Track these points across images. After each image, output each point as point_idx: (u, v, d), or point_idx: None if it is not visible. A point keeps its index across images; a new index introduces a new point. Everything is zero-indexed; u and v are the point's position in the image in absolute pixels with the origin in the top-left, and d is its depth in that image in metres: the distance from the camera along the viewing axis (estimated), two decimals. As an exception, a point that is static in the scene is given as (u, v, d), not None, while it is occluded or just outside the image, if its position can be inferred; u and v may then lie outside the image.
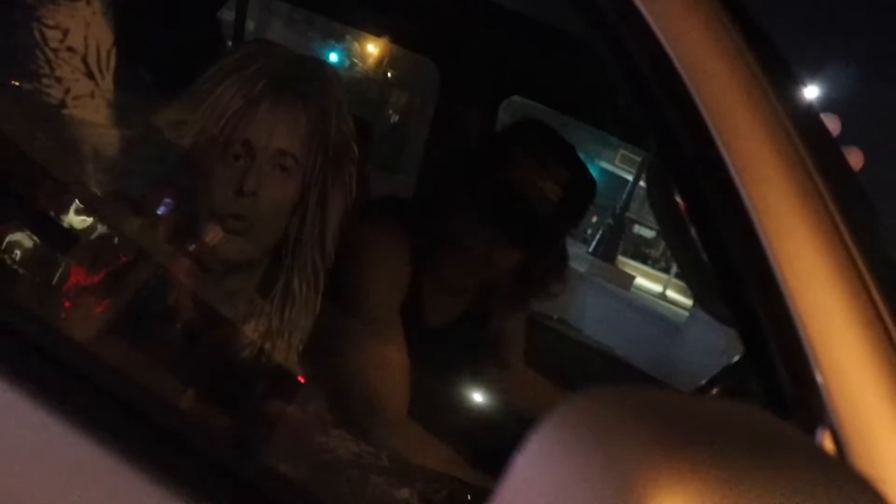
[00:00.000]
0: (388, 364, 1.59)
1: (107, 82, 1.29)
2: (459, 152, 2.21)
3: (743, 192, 0.74)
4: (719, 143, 0.77)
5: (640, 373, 2.38)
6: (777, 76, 0.83)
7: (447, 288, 1.79)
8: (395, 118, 18.56)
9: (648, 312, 13.67)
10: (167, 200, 1.32)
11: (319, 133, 1.48)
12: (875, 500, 0.45)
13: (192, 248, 1.35)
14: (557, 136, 1.74)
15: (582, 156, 1.74)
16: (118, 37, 1.29)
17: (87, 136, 1.27)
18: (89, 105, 1.27)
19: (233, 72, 1.44)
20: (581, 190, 1.71)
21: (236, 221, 1.44)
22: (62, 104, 1.25)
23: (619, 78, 0.80)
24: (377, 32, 3.05)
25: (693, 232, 0.93)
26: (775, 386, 0.71)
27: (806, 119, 0.82)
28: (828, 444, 0.66)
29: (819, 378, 0.68)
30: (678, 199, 0.92)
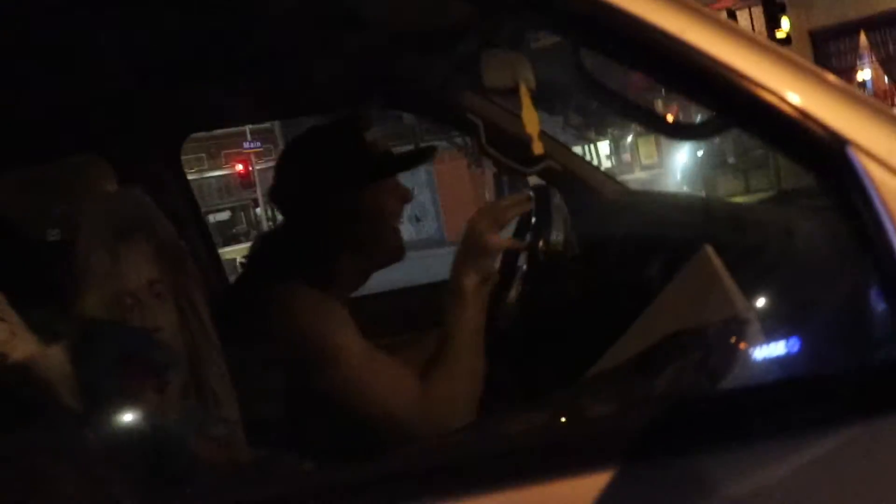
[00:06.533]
0: (392, 380, 1.73)
1: (11, 314, 1.26)
2: None
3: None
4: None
5: None
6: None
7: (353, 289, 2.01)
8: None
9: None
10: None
11: (156, 247, 1.54)
12: None
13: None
14: None
15: None
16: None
17: (42, 368, 1.24)
18: (18, 344, 1.24)
19: (86, 241, 1.45)
20: None
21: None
22: (3, 355, 1.21)
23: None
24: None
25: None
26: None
27: None
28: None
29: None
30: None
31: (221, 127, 5.14)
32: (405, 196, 2.00)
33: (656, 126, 2.07)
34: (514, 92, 1.97)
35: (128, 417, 1.29)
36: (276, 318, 1.79)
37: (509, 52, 1.97)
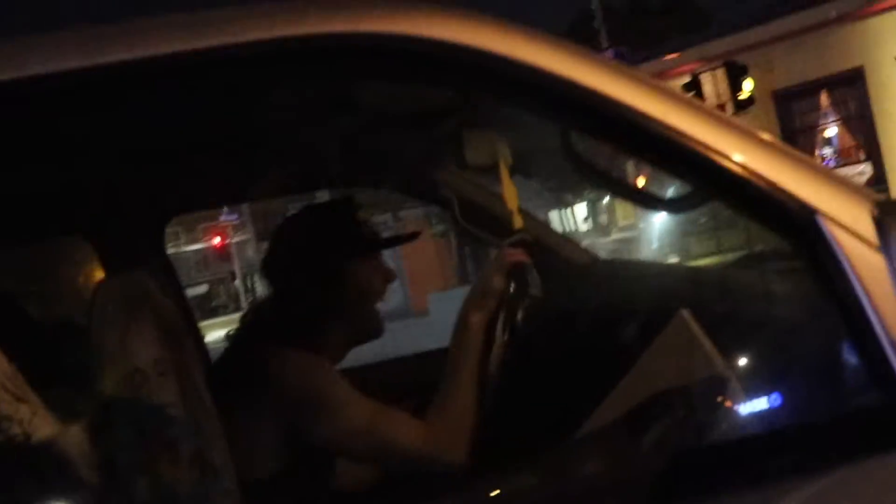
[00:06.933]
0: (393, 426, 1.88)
1: (31, 394, 1.31)
2: None
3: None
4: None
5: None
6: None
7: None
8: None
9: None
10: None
11: (159, 327, 1.60)
12: None
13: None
14: None
15: None
16: (9, 354, 1.32)
17: (63, 447, 1.29)
18: (41, 423, 1.29)
19: (97, 322, 1.51)
20: None
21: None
22: (27, 435, 1.26)
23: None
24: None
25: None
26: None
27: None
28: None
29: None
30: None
31: (206, 209, 5.21)
32: (389, 276, 2.11)
33: (642, 202, 2.18)
34: (493, 169, 2.08)
35: (145, 491, 1.34)
36: (274, 382, 1.86)
37: (488, 131, 2.08)
